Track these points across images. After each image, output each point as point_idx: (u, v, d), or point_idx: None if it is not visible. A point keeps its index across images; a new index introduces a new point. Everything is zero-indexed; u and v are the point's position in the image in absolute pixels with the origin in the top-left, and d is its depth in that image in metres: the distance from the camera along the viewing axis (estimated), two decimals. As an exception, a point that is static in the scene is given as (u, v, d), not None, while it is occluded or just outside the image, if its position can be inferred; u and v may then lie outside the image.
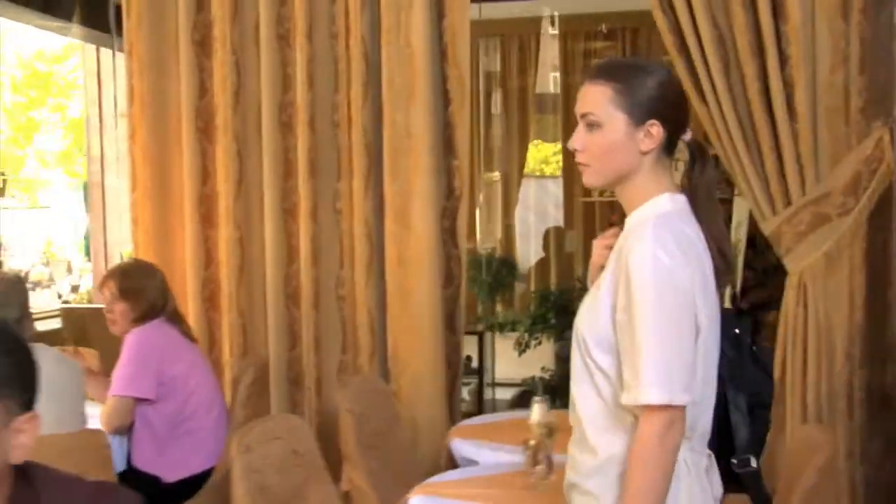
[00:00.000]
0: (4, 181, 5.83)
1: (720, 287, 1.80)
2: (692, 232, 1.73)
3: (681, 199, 1.78)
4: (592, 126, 1.75)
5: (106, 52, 9.16)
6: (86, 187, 12.02)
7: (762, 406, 1.93)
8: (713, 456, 1.81)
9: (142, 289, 3.35)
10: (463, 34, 3.61)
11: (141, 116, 3.97)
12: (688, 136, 1.80)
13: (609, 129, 1.74)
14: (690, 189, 1.80)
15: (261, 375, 3.61)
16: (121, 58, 9.04)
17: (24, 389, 1.32)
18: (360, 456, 3.05)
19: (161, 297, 3.38)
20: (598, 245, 1.93)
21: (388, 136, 3.63)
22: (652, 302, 1.63)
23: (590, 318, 1.76)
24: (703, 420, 1.75)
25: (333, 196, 3.78)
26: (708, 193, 1.80)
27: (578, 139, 1.77)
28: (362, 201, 3.69)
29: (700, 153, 1.82)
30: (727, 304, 2.13)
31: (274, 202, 3.78)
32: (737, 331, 1.85)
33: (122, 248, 9.09)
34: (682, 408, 1.64)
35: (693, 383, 1.66)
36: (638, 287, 1.64)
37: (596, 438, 1.75)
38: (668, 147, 1.77)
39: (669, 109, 1.75)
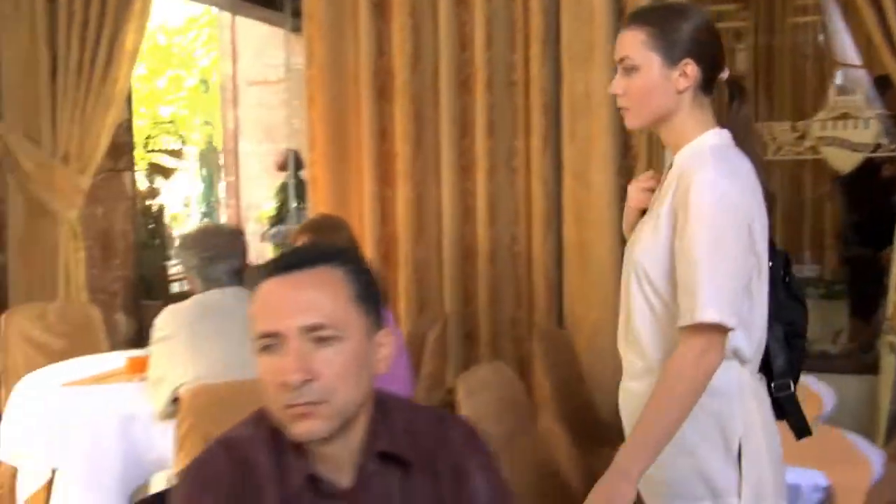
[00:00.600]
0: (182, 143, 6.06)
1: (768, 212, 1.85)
2: (746, 163, 1.78)
3: (726, 134, 1.83)
4: (629, 70, 1.81)
5: (242, 21, 9.41)
6: (202, 155, 12.44)
7: (797, 335, 1.96)
8: (764, 380, 1.88)
9: (334, 242, 3.48)
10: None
11: (319, 79, 4.10)
12: (725, 74, 1.85)
13: (645, 71, 1.79)
14: (730, 125, 1.84)
15: (442, 332, 3.72)
16: (250, 25, 9.24)
17: (378, 305, 1.42)
18: (555, 401, 3.14)
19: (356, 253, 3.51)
20: (634, 188, 2.01)
21: (567, 96, 3.68)
22: (710, 227, 1.68)
23: (648, 245, 1.82)
24: (763, 343, 1.82)
25: (509, 154, 3.85)
26: (746, 128, 1.86)
27: (617, 83, 1.84)
28: (540, 160, 3.75)
29: (738, 90, 1.87)
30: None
31: (451, 161, 3.87)
32: (770, 263, 1.88)
33: (256, 209, 9.44)
34: (725, 332, 1.70)
35: (742, 309, 1.72)
36: (698, 213, 1.69)
37: (653, 358, 1.82)
38: (706, 86, 1.82)
39: (703, 49, 1.79)
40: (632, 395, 1.88)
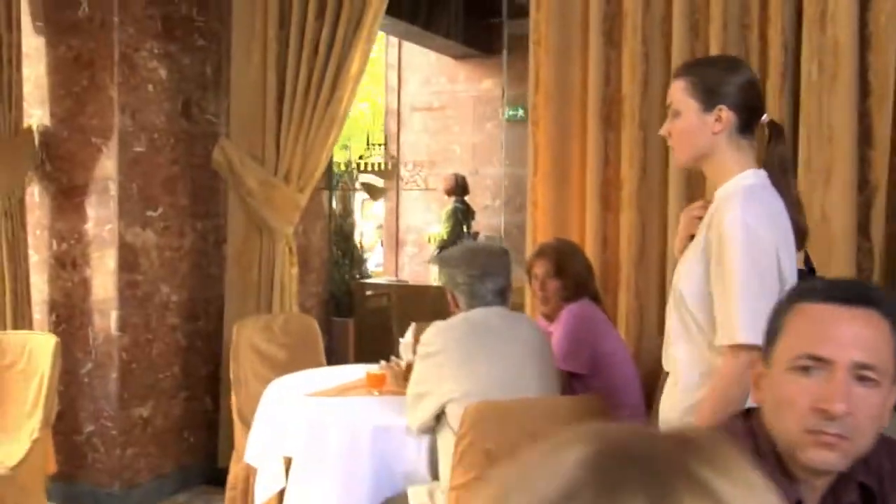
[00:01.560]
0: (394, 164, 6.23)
1: (798, 250, 2.05)
2: (777, 202, 1.97)
3: (762, 174, 2.02)
4: (674, 114, 2.06)
5: (409, 48, 9.63)
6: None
7: None
8: None
9: (572, 266, 3.52)
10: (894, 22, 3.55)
11: (545, 105, 4.15)
12: (765, 118, 2.07)
13: (685, 116, 2.04)
14: (767, 163, 2.05)
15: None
16: (416, 53, 9.40)
17: None
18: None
19: (588, 274, 3.53)
20: (686, 216, 2.24)
21: (805, 125, 3.63)
22: (741, 257, 1.89)
23: (686, 277, 2.02)
24: None
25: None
26: (782, 167, 2.06)
27: (665, 126, 2.10)
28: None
29: (774, 132, 2.09)
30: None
31: (677, 188, 3.86)
32: None
33: (415, 232, 9.62)
34: (760, 351, 1.84)
35: None
36: (730, 246, 1.90)
37: (688, 380, 2.02)
38: (744, 129, 2.03)
39: (737, 96, 2.01)
40: (664, 413, 2.10)
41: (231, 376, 4.15)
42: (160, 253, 4.60)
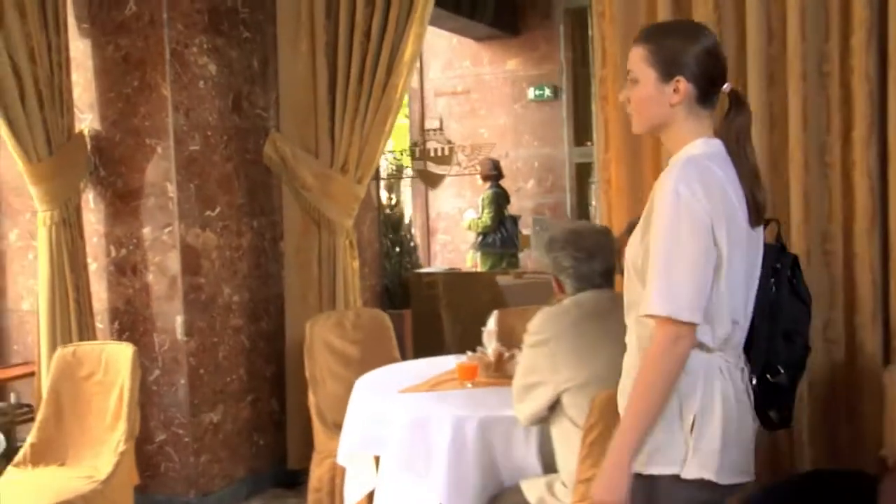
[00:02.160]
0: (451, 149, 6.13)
1: (753, 224, 1.99)
2: (722, 172, 1.93)
3: (715, 143, 1.99)
4: (633, 82, 2.03)
5: (430, 31, 9.47)
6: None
7: (796, 332, 2.16)
8: (746, 370, 2.05)
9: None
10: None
11: (614, 78, 4.02)
12: (726, 87, 2.03)
13: (643, 85, 2.01)
14: (724, 134, 2.00)
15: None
16: (438, 36, 9.21)
17: None
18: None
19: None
20: None
21: (894, 84, 3.50)
22: (666, 227, 1.86)
23: (630, 247, 2.03)
24: (736, 336, 1.99)
25: (821, 149, 3.69)
26: (738, 138, 1.99)
27: (623, 93, 2.08)
28: (864, 153, 3.57)
29: (735, 101, 2.03)
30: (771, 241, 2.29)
31: (762, 155, 3.73)
32: (778, 265, 2.10)
33: (445, 219, 9.49)
34: (691, 324, 1.87)
35: (703, 305, 1.87)
36: (658, 215, 1.88)
37: (632, 339, 2.06)
38: (704, 98, 2.00)
39: (696, 66, 1.97)
40: (625, 376, 2.11)
41: (307, 375, 4.04)
42: (220, 253, 4.49)
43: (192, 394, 4.31)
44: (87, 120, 4.37)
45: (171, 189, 4.24)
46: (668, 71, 1.97)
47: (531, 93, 9.23)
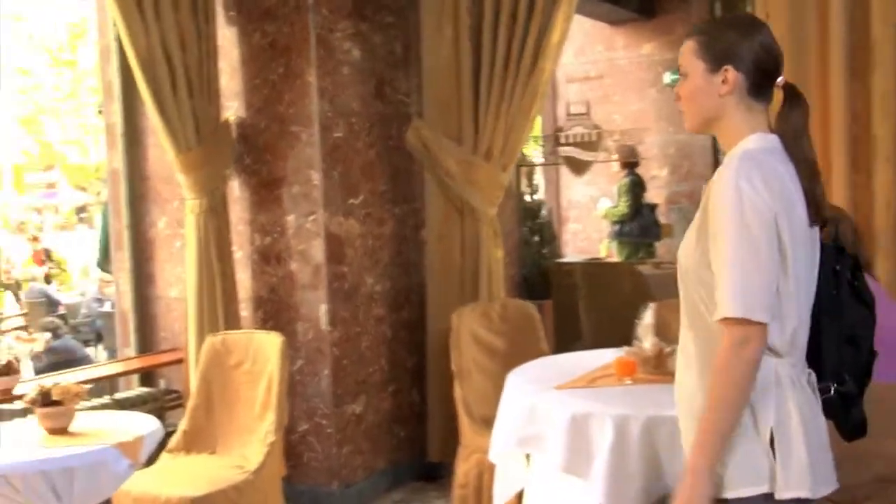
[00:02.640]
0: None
1: (812, 221, 1.89)
2: (782, 168, 1.85)
3: (772, 139, 1.91)
4: (683, 76, 1.97)
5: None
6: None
7: (856, 337, 2.02)
8: (812, 376, 1.94)
9: (843, 234, 3.16)
10: None
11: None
12: (780, 80, 1.94)
13: (692, 77, 1.94)
14: (780, 129, 1.92)
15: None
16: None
17: None
18: None
19: (858, 242, 3.19)
20: None
21: None
22: (732, 225, 1.79)
23: (683, 249, 1.94)
24: (800, 338, 1.90)
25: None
26: (795, 134, 1.91)
27: (676, 88, 2.00)
28: None
29: (791, 95, 1.94)
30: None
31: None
32: (837, 267, 2.00)
33: (578, 208, 9.29)
34: (760, 325, 1.78)
35: (774, 303, 1.80)
36: (721, 212, 1.81)
37: (701, 360, 1.92)
38: (756, 91, 1.91)
39: (745, 55, 1.90)
40: (682, 388, 1.99)
41: (453, 367, 3.95)
42: (363, 242, 4.43)
43: (336, 384, 4.27)
44: (232, 108, 4.37)
45: (316, 177, 4.20)
46: (716, 61, 1.92)
47: (667, 77, 8.91)
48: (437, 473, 4.65)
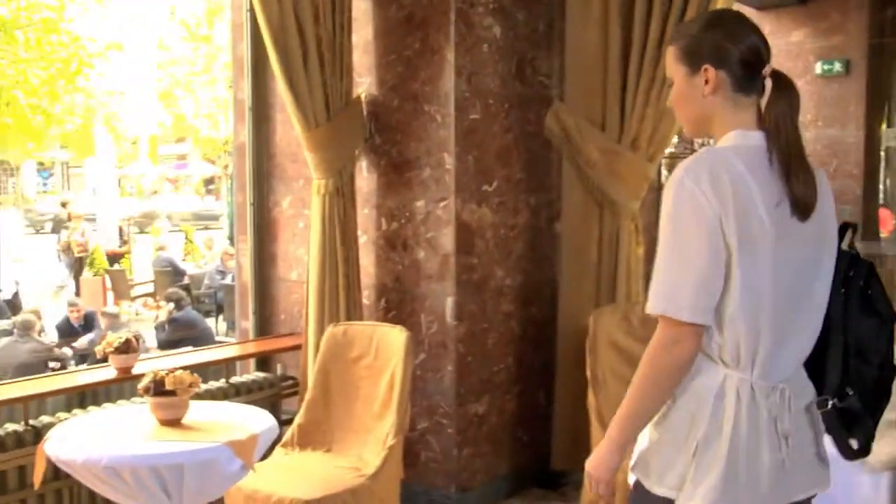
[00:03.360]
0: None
1: (798, 217, 1.79)
2: (744, 166, 1.77)
3: (754, 136, 1.83)
4: (671, 85, 1.93)
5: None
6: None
7: (874, 351, 1.92)
8: (787, 393, 1.82)
9: None
10: None
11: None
12: (767, 69, 1.86)
13: (676, 83, 1.91)
14: (766, 121, 1.83)
15: None
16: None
17: None
18: None
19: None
20: None
21: None
22: (670, 222, 1.77)
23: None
24: (764, 350, 1.79)
25: None
26: (777, 124, 1.81)
27: (669, 98, 1.95)
28: None
29: (777, 84, 1.85)
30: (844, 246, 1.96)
31: None
32: (851, 273, 1.91)
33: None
34: (693, 327, 1.74)
35: (709, 306, 1.74)
36: (664, 211, 1.78)
37: None
38: (742, 85, 1.84)
39: (723, 51, 1.84)
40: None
41: (588, 373, 3.65)
42: (495, 232, 4.15)
43: (459, 382, 4.01)
44: (364, 84, 4.14)
45: (449, 160, 3.93)
46: (694, 63, 1.86)
47: (818, 67, 8.32)
48: (560, 482, 4.37)
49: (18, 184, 32.40)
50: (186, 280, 13.17)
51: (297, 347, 4.20)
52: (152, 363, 3.74)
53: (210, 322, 10.63)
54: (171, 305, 9.44)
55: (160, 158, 31.85)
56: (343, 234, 3.98)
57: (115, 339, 3.55)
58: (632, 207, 4.20)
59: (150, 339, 9.26)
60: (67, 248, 15.17)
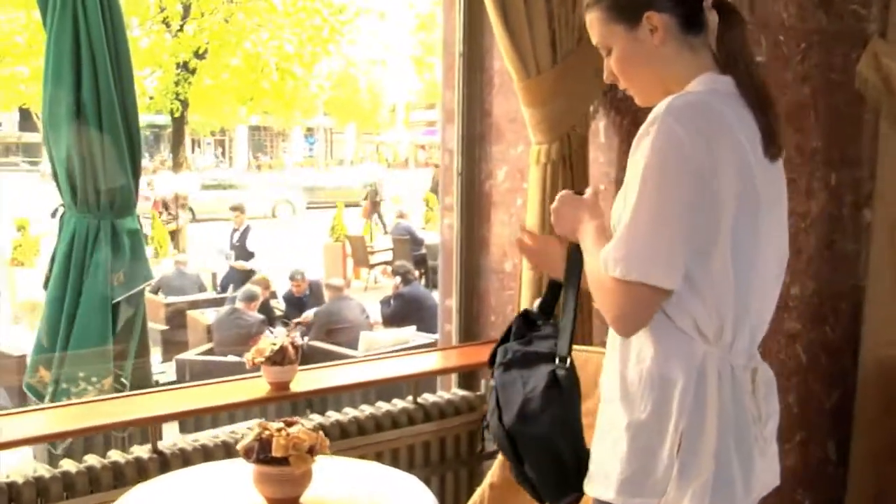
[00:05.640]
0: None
1: (771, 155, 1.65)
2: (730, 110, 1.61)
3: (724, 80, 1.67)
4: (607, 53, 1.75)
5: None
6: None
7: None
8: (762, 370, 1.72)
9: None
10: None
11: None
12: (707, 1, 1.71)
13: (617, 47, 1.72)
14: (719, 55, 1.69)
15: None
16: None
17: None
18: None
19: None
20: None
21: None
22: (651, 171, 1.55)
23: (615, 213, 1.69)
24: (745, 328, 1.64)
25: None
26: (733, 55, 1.68)
27: (606, 71, 1.77)
28: None
29: (723, 14, 1.70)
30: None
31: None
32: None
33: None
34: (666, 292, 1.57)
35: (684, 270, 1.57)
36: (640, 157, 1.57)
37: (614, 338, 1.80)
38: (690, 25, 1.68)
39: None
40: (605, 371, 1.75)
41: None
42: (781, 222, 3.08)
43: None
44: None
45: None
46: (631, 15, 1.66)
47: None
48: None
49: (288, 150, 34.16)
50: (423, 250, 12.83)
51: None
52: (315, 374, 2.96)
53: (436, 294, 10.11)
54: (398, 279, 8.91)
55: (411, 125, 32.41)
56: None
57: (267, 346, 2.78)
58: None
59: (375, 313, 8.79)
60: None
